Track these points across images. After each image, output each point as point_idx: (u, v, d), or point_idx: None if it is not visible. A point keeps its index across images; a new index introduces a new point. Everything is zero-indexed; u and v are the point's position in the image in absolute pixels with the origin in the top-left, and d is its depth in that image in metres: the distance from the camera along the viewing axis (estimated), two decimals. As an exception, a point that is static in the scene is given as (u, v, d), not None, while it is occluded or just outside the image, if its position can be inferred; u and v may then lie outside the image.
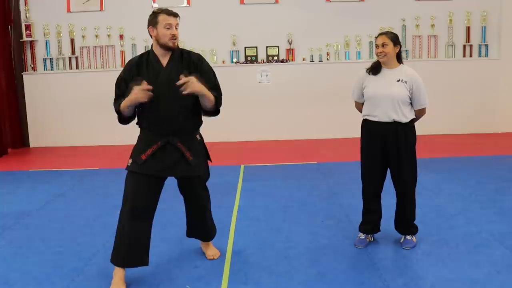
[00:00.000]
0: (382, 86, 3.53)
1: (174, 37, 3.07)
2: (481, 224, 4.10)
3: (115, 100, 3.18)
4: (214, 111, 3.26)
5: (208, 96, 3.09)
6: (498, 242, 3.70)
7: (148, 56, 3.14)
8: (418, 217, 3.78)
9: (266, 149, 7.60)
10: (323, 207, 4.67)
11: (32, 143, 8.33)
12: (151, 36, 3.14)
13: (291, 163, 6.52)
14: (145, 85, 2.96)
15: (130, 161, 3.15)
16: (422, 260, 3.45)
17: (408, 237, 3.70)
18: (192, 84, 2.96)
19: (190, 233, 3.62)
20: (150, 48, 3.19)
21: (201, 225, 3.53)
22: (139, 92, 2.96)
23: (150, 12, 3.19)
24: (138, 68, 3.11)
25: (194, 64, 3.16)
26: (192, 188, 3.35)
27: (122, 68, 3.26)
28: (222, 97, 3.28)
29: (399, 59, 3.60)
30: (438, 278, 3.17)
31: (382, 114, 3.53)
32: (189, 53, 3.22)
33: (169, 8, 3.16)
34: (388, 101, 3.50)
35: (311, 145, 7.76)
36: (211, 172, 3.48)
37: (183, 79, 2.94)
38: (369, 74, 3.62)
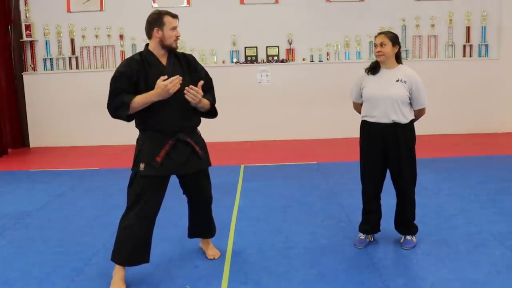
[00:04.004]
0: (381, 87, 3.52)
1: (178, 39, 3.15)
2: (481, 224, 4.10)
3: (114, 95, 3.05)
4: (210, 113, 3.34)
5: (203, 104, 3.20)
6: (498, 242, 3.70)
7: (145, 56, 3.14)
8: (418, 217, 3.78)
9: (266, 149, 7.60)
10: (323, 207, 4.67)
11: (32, 143, 8.33)
12: (150, 37, 3.14)
13: (291, 163, 6.53)
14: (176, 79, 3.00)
15: (143, 165, 3.10)
16: (422, 260, 3.45)
17: (408, 237, 3.70)
18: (197, 97, 3.08)
19: (193, 232, 3.62)
20: (145, 48, 3.19)
21: (206, 220, 3.55)
22: (171, 84, 2.96)
23: (150, 12, 3.19)
24: (142, 66, 3.10)
25: (192, 64, 3.26)
26: (199, 181, 3.38)
27: None
28: (217, 95, 3.42)
29: (398, 59, 3.59)
30: (438, 278, 3.17)
31: (381, 114, 3.52)
32: (183, 53, 3.30)
33: (169, 9, 3.19)
34: (387, 101, 3.49)
35: (311, 145, 7.76)
36: (211, 172, 3.50)
37: (192, 88, 3.06)
38: (367, 74, 3.62)
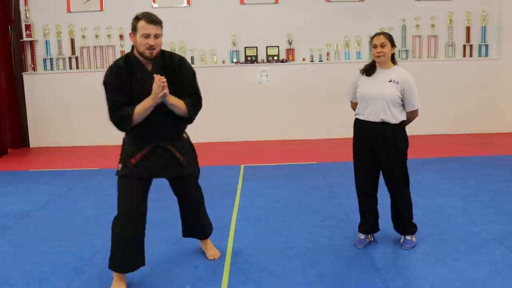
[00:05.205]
0: (374, 86, 3.55)
1: (151, 48, 2.92)
2: (481, 224, 4.10)
3: (115, 109, 2.94)
4: (187, 119, 3.13)
5: (173, 102, 3.00)
6: (498, 242, 3.70)
7: (131, 61, 3.00)
8: (418, 217, 3.78)
9: (266, 149, 7.60)
10: (323, 207, 4.67)
11: (32, 143, 8.33)
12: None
13: (291, 163, 6.53)
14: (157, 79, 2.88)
15: (120, 165, 3.10)
16: (422, 260, 3.45)
17: (408, 237, 3.70)
18: (159, 88, 2.89)
19: (186, 233, 3.61)
20: (131, 52, 3.04)
21: (197, 223, 3.52)
22: (159, 87, 2.86)
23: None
24: (126, 72, 2.97)
25: (176, 69, 3.07)
26: (186, 187, 3.34)
27: None
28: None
29: (393, 60, 3.61)
30: (438, 278, 3.17)
31: (371, 113, 3.55)
32: (171, 56, 3.11)
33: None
34: (377, 100, 3.51)
35: (311, 145, 7.76)
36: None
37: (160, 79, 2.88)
38: (362, 74, 3.64)
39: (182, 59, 3.15)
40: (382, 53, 3.50)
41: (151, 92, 2.92)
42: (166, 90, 2.90)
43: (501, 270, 3.26)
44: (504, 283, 3.09)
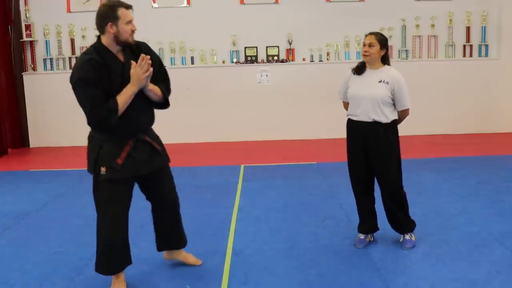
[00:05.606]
0: (364, 87, 3.56)
1: (134, 33, 2.92)
2: (481, 224, 4.10)
3: (97, 104, 2.78)
4: (163, 103, 3.12)
5: (154, 90, 3.01)
6: (498, 242, 3.70)
7: (103, 53, 2.88)
8: (418, 217, 3.78)
9: (266, 149, 7.60)
10: (323, 207, 4.67)
11: (32, 143, 8.33)
12: (103, 32, 2.88)
13: (291, 163, 6.53)
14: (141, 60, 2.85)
15: (104, 169, 2.96)
16: (422, 260, 3.45)
17: (407, 236, 3.69)
18: (144, 68, 2.89)
19: (162, 244, 3.41)
20: (99, 43, 2.92)
21: (175, 226, 3.35)
22: (143, 68, 2.83)
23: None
24: (103, 66, 2.84)
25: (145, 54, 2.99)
26: (162, 180, 3.21)
27: None
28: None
29: (384, 61, 3.60)
30: (438, 278, 3.17)
31: (362, 114, 3.56)
32: (137, 44, 3.05)
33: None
34: (368, 101, 3.52)
35: (311, 145, 7.76)
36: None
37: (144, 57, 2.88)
38: (353, 74, 3.64)
39: (147, 45, 3.11)
40: (368, 52, 3.52)
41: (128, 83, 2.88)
42: (151, 70, 2.87)
43: (501, 270, 3.26)
44: (504, 283, 3.09)
